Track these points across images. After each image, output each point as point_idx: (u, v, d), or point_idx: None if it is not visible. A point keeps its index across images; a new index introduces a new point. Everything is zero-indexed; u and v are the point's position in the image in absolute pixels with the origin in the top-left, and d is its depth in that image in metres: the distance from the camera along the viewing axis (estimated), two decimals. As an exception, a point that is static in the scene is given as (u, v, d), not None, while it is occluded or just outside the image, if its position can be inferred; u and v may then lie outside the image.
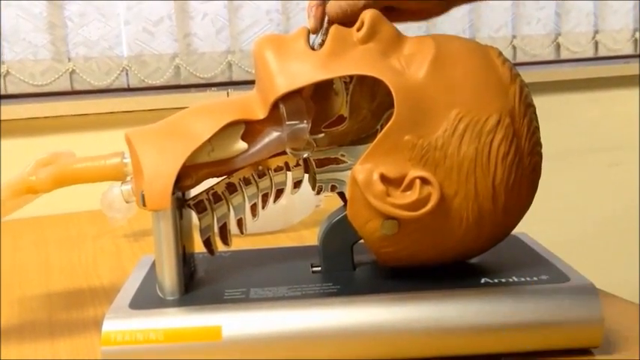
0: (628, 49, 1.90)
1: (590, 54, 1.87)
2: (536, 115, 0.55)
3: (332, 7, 0.55)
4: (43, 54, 1.37)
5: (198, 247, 0.59)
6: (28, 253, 0.93)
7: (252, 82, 0.57)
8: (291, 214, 0.96)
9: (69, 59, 1.40)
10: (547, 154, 0.56)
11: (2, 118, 1.28)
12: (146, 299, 0.55)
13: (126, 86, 1.45)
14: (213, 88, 1.49)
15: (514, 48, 1.80)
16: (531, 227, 0.65)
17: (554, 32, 1.84)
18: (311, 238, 0.91)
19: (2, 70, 1.34)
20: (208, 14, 1.49)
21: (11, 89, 1.36)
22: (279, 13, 1.55)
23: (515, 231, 0.57)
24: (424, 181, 0.51)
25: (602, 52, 1.88)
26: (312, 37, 0.56)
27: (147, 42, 1.45)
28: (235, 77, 1.53)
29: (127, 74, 1.45)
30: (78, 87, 1.41)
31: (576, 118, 1.81)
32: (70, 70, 1.39)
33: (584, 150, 1.84)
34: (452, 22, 1.72)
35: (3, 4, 1.32)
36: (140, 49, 1.45)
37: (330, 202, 0.74)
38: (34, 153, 0.60)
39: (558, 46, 1.84)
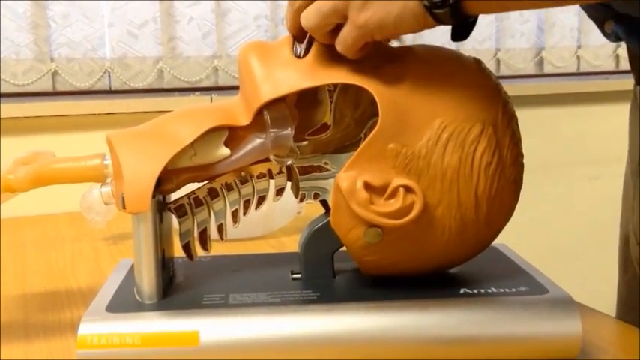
0: (609, 65, 1.92)
1: (572, 69, 1.89)
2: (518, 126, 0.55)
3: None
4: (26, 54, 1.36)
5: (178, 251, 0.59)
6: (5, 254, 0.92)
7: (238, 88, 0.57)
8: (272, 221, 0.96)
9: (51, 60, 1.38)
10: (528, 166, 0.56)
11: (-18, 117, 1.26)
12: (123, 303, 0.54)
13: (108, 88, 1.44)
14: (196, 93, 1.49)
15: (498, 61, 1.81)
16: (511, 238, 0.66)
17: (537, 46, 1.86)
18: (291, 244, 0.91)
19: (-17, 69, 1.33)
20: (194, 18, 1.49)
21: (-8, 88, 1.34)
22: (267, 19, 1.54)
23: (495, 242, 0.57)
24: (408, 189, 0.51)
25: (583, 68, 1.90)
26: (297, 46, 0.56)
27: (131, 44, 1.44)
28: (221, 82, 1.52)
29: (109, 76, 1.44)
30: (60, 88, 1.40)
31: (558, 132, 1.83)
32: (53, 70, 1.38)
33: (564, 163, 1.85)
34: (437, 34, 1.73)
35: (-14, 2, 1.30)
36: (123, 52, 1.44)
37: (311, 209, 0.74)
38: (13, 153, 0.59)
39: (541, 61, 1.86)
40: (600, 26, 0.71)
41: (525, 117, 0.60)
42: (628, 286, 0.79)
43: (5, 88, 1.35)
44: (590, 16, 0.73)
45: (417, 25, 0.48)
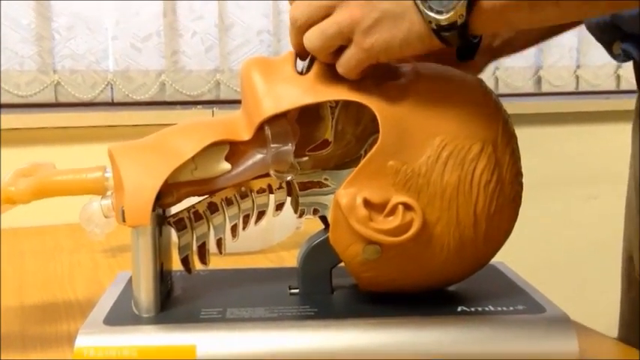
0: (609, 84, 1.93)
1: (571, 88, 1.90)
2: (517, 145, 0.55)
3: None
4: (29, 65, 1.37)
5: (177, 264, 0.59)
6: (3, 264, 0.91)
7: (239, 102, 0.57)
8: (271, 235, 0.96)
9: (54, 71, 1.39)
10: (526, 184, 0.56)
11: (-15, 128, 1.27)
12: (121, 315, 0.54)
13: (110, 101, 1.45)
14: (198, 106, 1.49)
15: (496, 79, 1.82)
16: (509, 256, 0.66)
17: (535, 65, 1.86)
18: (290, 259, 0.91)
19: (-14, 80, 1.34)
20: (198, 32, 1.50)
21: (-5, 99, 1.35)
22: (270, 34, 1.55)
23: (493, 260, 0.57)
24: (407, 207, 0.51)
25: (582, 87, 1.90)
26: (300, 62, 0.56)
27: (134, 57, 1.45)
28: (223, 96, 1.53)
29: (111, 89, 1.45)
30: (62, 99, 1.41)
31: (556, 151, 1.83)
32: (55, 82, 1.39)
33: (563, 182, 1.85)
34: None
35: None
36: (126, 65, 1.44)
37: (310, 224, 0.74)
38: (14, 164, 0.59)
39: (539, 80, 1.86)
40: (608, 48, 0.72)
41: (524, 136, 0.60)
42: (631, 304, 0.79)
43: (8, 99, 1.36)
44: (598, 39, 0.73)
45: (422, 48, 0.48)
